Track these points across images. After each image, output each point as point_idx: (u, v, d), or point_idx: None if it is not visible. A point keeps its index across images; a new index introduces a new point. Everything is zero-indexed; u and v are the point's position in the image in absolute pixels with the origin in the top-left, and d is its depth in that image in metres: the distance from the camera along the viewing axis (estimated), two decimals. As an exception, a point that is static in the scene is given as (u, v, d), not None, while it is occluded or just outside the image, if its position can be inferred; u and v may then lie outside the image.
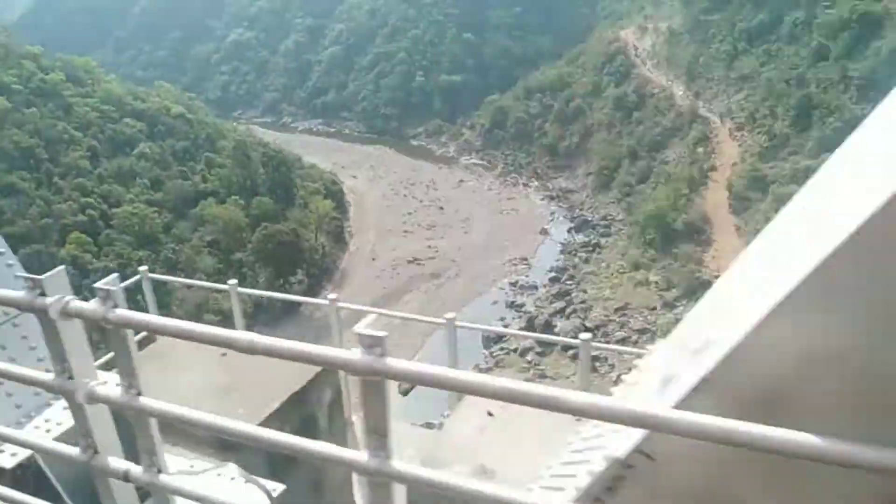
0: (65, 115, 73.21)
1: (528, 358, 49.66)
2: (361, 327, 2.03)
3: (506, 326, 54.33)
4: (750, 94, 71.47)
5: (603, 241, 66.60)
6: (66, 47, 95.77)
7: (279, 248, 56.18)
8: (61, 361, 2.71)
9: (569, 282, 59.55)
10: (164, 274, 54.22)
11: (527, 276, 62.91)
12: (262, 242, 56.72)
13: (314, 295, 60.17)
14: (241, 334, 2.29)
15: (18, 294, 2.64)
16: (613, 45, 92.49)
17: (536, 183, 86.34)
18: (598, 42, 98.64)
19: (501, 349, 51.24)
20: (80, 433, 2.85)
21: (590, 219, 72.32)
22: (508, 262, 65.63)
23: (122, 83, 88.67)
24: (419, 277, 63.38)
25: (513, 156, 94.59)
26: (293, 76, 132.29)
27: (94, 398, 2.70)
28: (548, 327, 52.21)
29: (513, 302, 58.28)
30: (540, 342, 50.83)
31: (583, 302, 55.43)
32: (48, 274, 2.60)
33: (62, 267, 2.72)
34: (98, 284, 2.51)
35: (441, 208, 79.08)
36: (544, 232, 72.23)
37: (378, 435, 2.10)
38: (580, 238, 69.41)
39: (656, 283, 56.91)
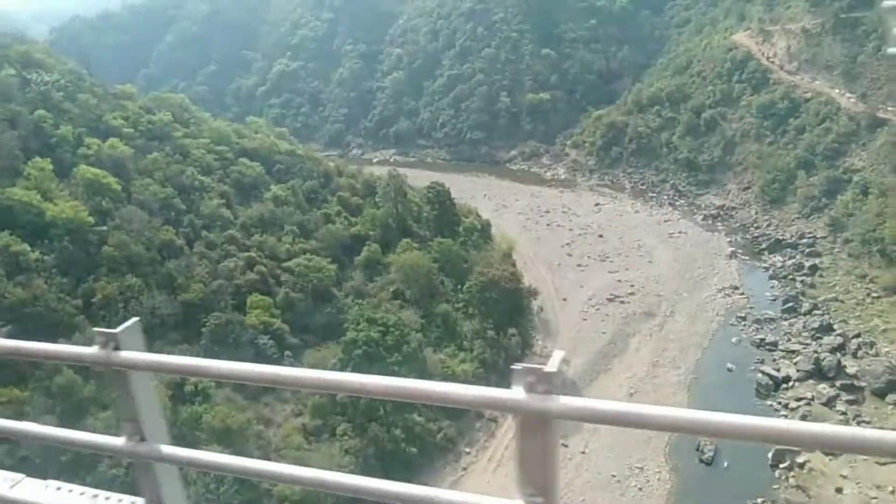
0: (183, 159, 64.70)
1: (840, 408, 42.23)
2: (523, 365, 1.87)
3: (776, 370, 47.05)
4: (937, 92, 66.02)
5: (818, 262, 59.74)
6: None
7: (503, 297, 48.09)
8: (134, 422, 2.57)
9: (817, 312, 52.40)
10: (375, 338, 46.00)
11: (751, 308, 55.72)
12: (480, 291, 48.59)
13: (530, 349, 52.27)
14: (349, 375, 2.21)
15: (91, 350, 2.50)
16: (739, 52, 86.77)
17: (682, 201, 79.69)
18: (711, 49, 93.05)
19: (797, 399, 43.76)
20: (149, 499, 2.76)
21: (782, 238, 65.55)
22: (719, 293, 58.46)
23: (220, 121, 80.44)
24: (632, 318, 55.76)
25: (638, 174, 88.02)
26: (355, 105, 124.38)
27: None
28: (839, 369, 44.93)
29: (762, 340, 50.90)
30: (844, 387, 43.59)
31: (858, 336, 48.27)
32: (122, 327, 2.49)
33: (136, 319, 2.60)
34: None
35: (600, 236, 71.73)
36: (733, 255, 65.28)
37: (536, 483, 1.89)
38: (778, 259, 62.65)
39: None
